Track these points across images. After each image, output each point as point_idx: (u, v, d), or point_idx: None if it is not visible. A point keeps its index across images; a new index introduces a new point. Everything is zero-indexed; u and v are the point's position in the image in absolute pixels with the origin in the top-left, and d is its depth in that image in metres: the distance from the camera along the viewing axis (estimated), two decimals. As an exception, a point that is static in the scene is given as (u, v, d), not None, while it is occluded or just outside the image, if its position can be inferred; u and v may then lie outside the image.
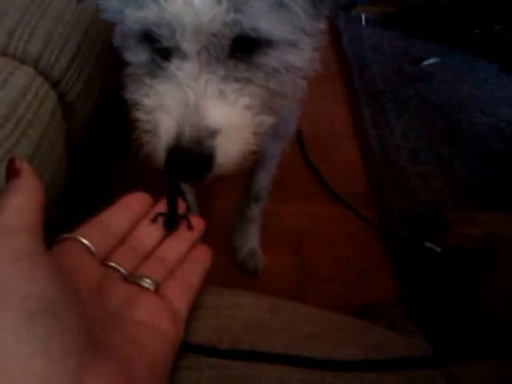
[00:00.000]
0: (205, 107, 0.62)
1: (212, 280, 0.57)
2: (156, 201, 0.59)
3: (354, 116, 2.06)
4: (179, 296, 0.51)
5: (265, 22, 0.62)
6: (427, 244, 1.44)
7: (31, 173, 0.42)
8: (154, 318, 0.47)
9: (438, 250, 1.43)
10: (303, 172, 1.79)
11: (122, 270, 0.51)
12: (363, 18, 2.59)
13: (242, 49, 0.65)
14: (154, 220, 0.56)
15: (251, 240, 1.50)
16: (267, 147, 1.25)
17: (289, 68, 0.71)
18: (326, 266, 1.51)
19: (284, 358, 0.52)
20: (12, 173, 0.41)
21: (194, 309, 0.54)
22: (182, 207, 0.59)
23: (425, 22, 2.49)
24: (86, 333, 0.38)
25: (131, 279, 0.50)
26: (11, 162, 0.42)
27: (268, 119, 0.73)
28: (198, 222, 0.59)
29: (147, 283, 0.50)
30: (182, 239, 0.57)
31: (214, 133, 0.63)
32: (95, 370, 0.36)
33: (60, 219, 0.94)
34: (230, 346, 0.53)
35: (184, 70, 0.64)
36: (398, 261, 1.51)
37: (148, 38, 0.66)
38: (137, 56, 0.72)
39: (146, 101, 0.68)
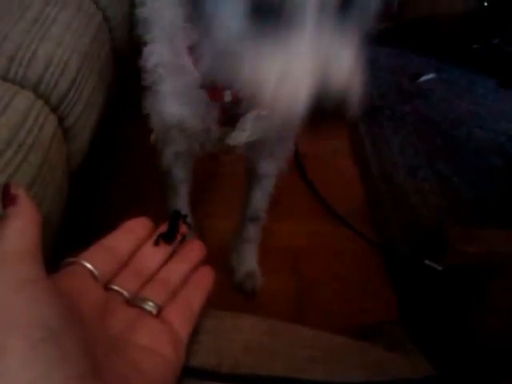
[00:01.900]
0: (339, 56, 0.65)
1: (209, 300, 0.57)
2: (158, 225, 0.59)
3: (351, 133, 2.07)
4: (181, 320, 0.52)
5: None
6: (427, 262, 1.44)
7: (28, 198, 0.43)
8: (155, 343, 0.48)
9: (439, 268, 1.43)
10: (300, 189, 1.80)
11: (124, 293, 0.51)
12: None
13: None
14: (156, 242, 0.56)
15: (249, 260, 1.50)
16: (265, 167, 1.26)
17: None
18: (324, 284, 1.51)
19: (284, 381, 0.53)
20: (8, 200, 0.42)
21: (194, 332, 0.54)
22: (183, 230, 0.60)
23: (422, 38, 2.50)
24: (88, 357, 0.38)
25: (134, 302, 0.51)
26: (6, 188, 0.43)
27: None
28: (198, 246, 0.60)
29: (149, 306, 0.50)
30: (184, 261, 0.58)
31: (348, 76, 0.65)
32: None
33: (61, 241, 0.94)
34: (231, 369, 0.53)
35: (310, 22, 0.64)
36: (397, 279, 1.51)
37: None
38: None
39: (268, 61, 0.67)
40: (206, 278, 0.58)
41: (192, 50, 0.88)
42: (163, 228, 0.58)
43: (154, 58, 1.03)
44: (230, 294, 1.46)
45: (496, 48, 2.39)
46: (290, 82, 0.65)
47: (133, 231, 0.56)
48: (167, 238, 0.57)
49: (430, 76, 2.36)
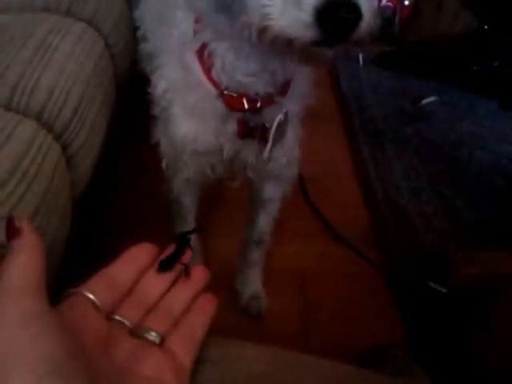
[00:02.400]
0: None
1: (214, 324, 0.57)
2: (161, 250, 0.59)
3: (354, 156, 2.07)
4: (184, 349, 0.51)
5: None
6: (432, 285, 1.44)
7: (32, 231, 0.43)
8: (158, 373, 0.47)
9: (444, 290, 1.42)
10: (305, 212, 1.80)
11: (127, 323, 0.51)
12: (361, 58, 2.61)
13: None
14: (158, 269, 0.56)
15: (254, 283, 1.49)
16: (270, 191, 1.26)
17: None
18: (329, 307, 1.50)
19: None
20: (13, 232, 0.42)
21: (198, 361, 0.54)
22: (188, 256, 0.59)
23: (422, 61, 2.52)
24: None
25: (137, 332, 0.51)
26: (10, 221, 0.43)
27: None
28: (202, 272, 0.60)
29: (152, 336, 0.50)
30: (186, 288, 0.57)
31: None
32: None
33: (65, 266, 0.95)
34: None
35: None
36: (402, 301, 1.50)
37: None
38: None
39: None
40: (208, 305, 0.58)
41: (203, 52, 0.89)
42: (167, 252, 0.58)
43: (164, 83, 1.04)
44: (235, 316, 1.46)
45: (496, 70, 2.40)
46: (295, 4, 0.64)
47: (135, 259, 0.56)
48: (168, 264, 0.56)
49: (432, 98, 2.37)
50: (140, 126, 1.19)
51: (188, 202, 1.31)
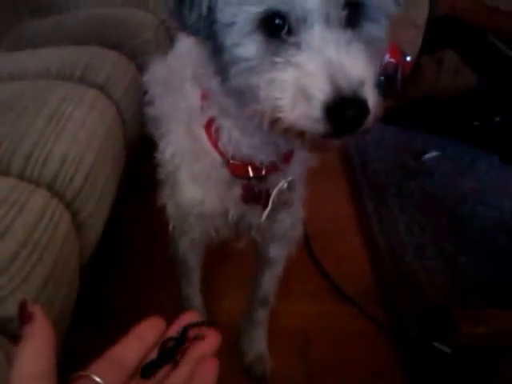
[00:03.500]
0: (348, 62, 0.67)
1: None
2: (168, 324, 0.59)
3: (358, 211, 2.09)
4: None
5: None
6: (436, 344, 1.43)
7: (43, 316, 0.44)
8: None
9: (447, 350, 1.42)
10: (309, 269, 1.80)
11: None
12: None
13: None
14: (142, 375, 0.53)
15: (258, 344, 1.49)
16: (275, 251, 1.27)
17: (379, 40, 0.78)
18: (334, 368, 1.49)
19: None
20: (25, 317, 0.43)
21: None
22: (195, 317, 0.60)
23: (425, 116, 2.55)
24: None
25: None
26: (24, 306, 0.44)
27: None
28: (214, 336, 0.60)
29: None
30: (193, 358, 0.57)
31: (361, 82, 0.67)
32: None
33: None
34: None
35: (316, 36, 0.68)
36: (407, 361, 1.49)
37: (264, 25, 0.70)
38: (249, 48, 0.73)
39: (283, 75, 0.70)
40: (211, 371, 0.57)
41: (210, 125, 0.92)
42: (173, 330, 0.58)
43: (171, 149, 1.07)
44: (239, 378, 1.44)
45: (497, 125, 2.43)
46: (306, 100, 0.68)
47: (142, 338, 0.57)
48: (152, 369, 0.54)
49: (434, 153, 2.39)
50: (142, 182, 1.21)
51: (193, 262, 1.33)
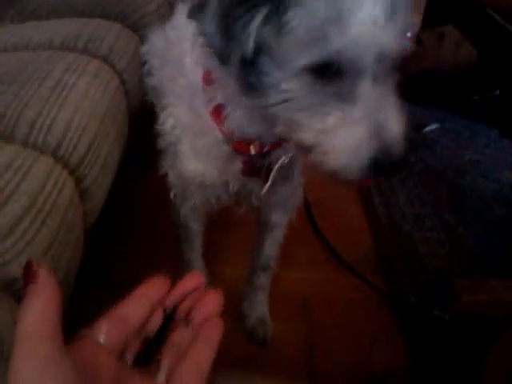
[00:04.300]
0: (392, 118, 0.72)
1: (219, 349, 0.57)
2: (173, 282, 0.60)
3: (359, 182, 2.09)
4: (191, 378, 0.52)
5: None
6: (435, 312, 1.45)
7: (49, 276, 0.44)
8: None
9: (446, 317, 1.43)
10: (309, 237, 1.82)
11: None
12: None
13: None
14: (134, 365, 0.53)
15: (260, 308, 1.51)
16: (276, 217, 1.29)
17: None
18: (334, 333, 1.52)
19: None
20: (30, 277, 0.43)
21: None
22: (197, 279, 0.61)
23: (425, 90, 2.54)
24: None
25: (146, 371, 0.52)
26: (29, 265, 0.44)
27: None
28: (216, 296, 0.61)
29: (160, 379, 0.52)
30: (195, 322, 0.59)
31: (402, 137, 0.73)
32: None
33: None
34: None
35: (369, 91, 0.71)
36: (406, 328, 1.51)
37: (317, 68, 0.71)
38: (297, 85, 0.73)
39: (333, 124, 0.72)
40: (214, 331, 0.58)
41: (217, 111, 0.92)
42: (177, 292, 0.59)
43: (172, 121, 1.08)
44: (240, 342, 1.47)
45: (497, 99, 2.43)
46: (355, 154, 0.72)
47: (146, 296, 0.57)
48: (144, 359, 0.54)
49: (434, 126, 2.40)
50: (144, 155, 1.22)
51: (195, 227, 1.35)
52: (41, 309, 0.42)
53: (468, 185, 2.06)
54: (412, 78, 2.55)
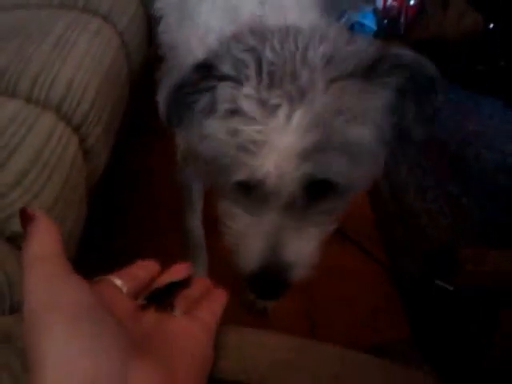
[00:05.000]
0: (285, 244, 0.73)
1: (222, 319, 0.58)
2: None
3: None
4: (207, 315, 0.54)
5: (340, 176, 0.69)
6: (438, 282, 1.44)
7: (44, 215, 0.46)
8: (187, 328, 0.50)
9: (450, 288, 1.43)
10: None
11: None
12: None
13: (313, 191, 0.71)
14: (146, 302, 0.53)
15: None
16: None
17: (351, 195, 0.83)
18: (335, 304, 1.51)
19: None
20: (26, 220, 0.45)
21: (220, 348, 0.55)
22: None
23: (429, 58, 2.52)
24: (125, 335, 0.42)
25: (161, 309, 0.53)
26: (23, 211, 0.46)
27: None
28: (221, 294, 0.61)
29: (176, 312, 0.52)
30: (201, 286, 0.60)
31: (291, 265, 0.75)
32: (138, 364, 0.40)
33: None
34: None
35: (267, 213, 0.72)
36: (407, 299, 1.51)
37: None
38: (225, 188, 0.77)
39: (234, 226, 0.78)
40: (221, 295, 0.60)
41: None
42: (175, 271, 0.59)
43: None
44: (240, 313, 1.45)
45: (501, 69, 2.40)
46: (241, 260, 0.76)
47: (146, 266, 0.58)
48: (157, 298, 0.54)
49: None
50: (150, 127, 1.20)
51: (197, 189, 1.34)
52: (42, 238, 0.44)
53: (471, 156, 2.05)
54: (415, 47, 2.52)
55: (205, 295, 0.58)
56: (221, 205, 0.82)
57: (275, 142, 0.64)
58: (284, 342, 0.62)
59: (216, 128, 0.70)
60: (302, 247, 0.76)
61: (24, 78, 0.98)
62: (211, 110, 0.71)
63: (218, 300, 0.58)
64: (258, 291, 0.76)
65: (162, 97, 0.75)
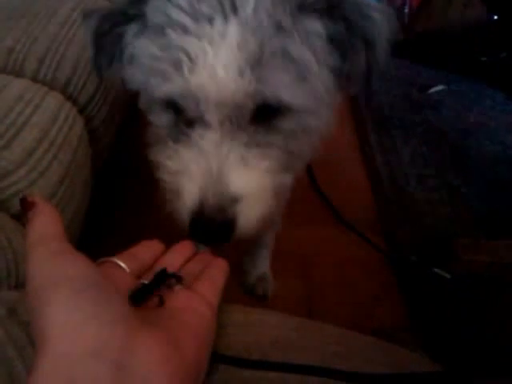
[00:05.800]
0: (227, 175, 0.65)
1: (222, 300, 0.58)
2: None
3: (361, 142, 2.09)
4: (209, 291, 0.54)
5: (286, 92, 0.64)
6: (436, 270, 1.45)
7: (44, 202, 0.48)
8: (191, 303, 0.51)
9: (448, 276, 1.44)
10: (311, 197, 1.81)
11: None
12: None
13: (262, 115, 0.67)
14: (131, 302, 0.50)
15: (262, 264, 1.50)
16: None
17: (306, 130, 0.73)
18: (334, 291, 1.52)
19: (316, 370, 0.54)
20: (27, 207, 0.48)
21: (223, 326, 0.56)
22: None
23: (431, 50, 2.52)
24: (129, 308, 0.43)
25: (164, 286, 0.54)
26: (23, 199, 0.48)
27: (287, 179, 0.76)
28: (222, 264, 0.62)
29: (178, 287, 0.53)
30: (202, 262, 0.61)
31: (235, 200, 0.65)
32: (143, 334, 0.41)
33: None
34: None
35: (207, 139, 0.66)
36: (406, 287, 1.51)
37: (172, 106, 0.68)
38: (161, 120, 0.73)
39: (170, 164, 0.70)
40: (222, 264, 0.61)
41: None
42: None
43: None
44: (240, 297, 1.47)
45: (504, 61, 2.40)
46: (180, 199, 0.68)
47: (149, 246, 0.60)
48: (140, 296, 0.52)
49: (440, 87, 2.38)
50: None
51: None
52: (43, 220, 0.46)
53: (472, 146, 2.05)
54: (419, 37, 2.53)
55: (206, 268, 0.59)
56: (156, 146, 0.75)
57: (211, 54, 0.61)
58: (285, 320, 0.63)
59: (148, 45, 0.66)
60: (250, 177, 0.68)
61: (31, 58, 0.98)
62: (143, 31, 0.68)
63: (218, 268, 0.60)
64: (201, 234, 0.65)
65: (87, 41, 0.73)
